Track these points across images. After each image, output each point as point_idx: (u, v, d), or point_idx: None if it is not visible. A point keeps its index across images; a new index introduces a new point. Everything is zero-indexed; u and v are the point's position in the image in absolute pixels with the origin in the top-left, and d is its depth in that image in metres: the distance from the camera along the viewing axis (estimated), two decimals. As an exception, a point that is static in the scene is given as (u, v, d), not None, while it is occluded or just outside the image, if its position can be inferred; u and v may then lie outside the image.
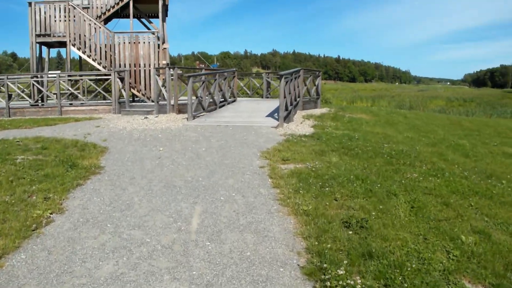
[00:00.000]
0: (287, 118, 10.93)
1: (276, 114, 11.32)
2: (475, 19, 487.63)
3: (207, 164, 6.52)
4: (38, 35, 14.86)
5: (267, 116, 11.68)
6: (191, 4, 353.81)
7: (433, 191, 5.17)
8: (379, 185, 5.23)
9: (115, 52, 14.67)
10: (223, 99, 14.45)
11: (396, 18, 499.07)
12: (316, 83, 15.75)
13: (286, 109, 10.80)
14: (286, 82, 10.55)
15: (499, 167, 7.44)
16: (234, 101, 16.03)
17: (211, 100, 13.14)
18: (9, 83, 13.73)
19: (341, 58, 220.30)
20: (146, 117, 11.93)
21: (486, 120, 17.07)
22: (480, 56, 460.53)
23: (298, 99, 13.23)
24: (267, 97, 18.67)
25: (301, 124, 10.98)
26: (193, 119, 11.22)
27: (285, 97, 10.42)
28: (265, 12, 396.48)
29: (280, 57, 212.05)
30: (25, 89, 15.12)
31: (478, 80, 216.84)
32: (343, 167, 6.08)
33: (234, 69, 18.75)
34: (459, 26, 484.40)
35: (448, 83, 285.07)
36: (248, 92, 20.41)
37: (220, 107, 13.85)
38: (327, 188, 5.05)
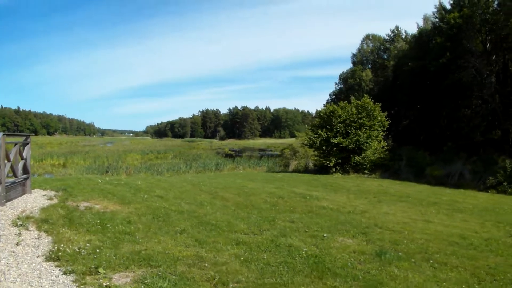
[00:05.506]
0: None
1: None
2: (152, 77, 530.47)
3: None
4: None
5: None
6: None
7: None
8: None
9: None
10: None
11: (77, 71, 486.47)
12: (25, 155, 9.76)
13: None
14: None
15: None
16: None
17: None
18: None
19: (21, 109, 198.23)
20: None
21: (227, 182, 15.06)
22: (159, 109, 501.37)
23: (-1, 188, 7.24)
24: None
25: (22, 252, 5.41)
26: None
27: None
28: None
29: None
30: None
31: (160, 131, 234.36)
32: None
33: None
34: (138, 82, 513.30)
35: (131, 134, 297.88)
36: None
37: None
38: None
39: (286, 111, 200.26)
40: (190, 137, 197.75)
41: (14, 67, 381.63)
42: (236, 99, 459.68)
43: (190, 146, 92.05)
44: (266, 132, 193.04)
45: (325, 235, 7.78)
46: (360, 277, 5.40)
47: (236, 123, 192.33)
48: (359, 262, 6.19)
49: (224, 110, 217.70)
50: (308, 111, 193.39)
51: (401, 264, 6.25)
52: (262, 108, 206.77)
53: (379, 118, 26.05)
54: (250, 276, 5.05)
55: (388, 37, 47.92)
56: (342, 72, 54.32)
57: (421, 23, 38.92)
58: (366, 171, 25.07)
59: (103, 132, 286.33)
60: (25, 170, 9.69)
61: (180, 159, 44.98)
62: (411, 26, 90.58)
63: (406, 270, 6.00)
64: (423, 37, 35.10)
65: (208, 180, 16.40)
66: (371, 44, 51.92)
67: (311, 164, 29.67)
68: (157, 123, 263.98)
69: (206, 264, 5.35)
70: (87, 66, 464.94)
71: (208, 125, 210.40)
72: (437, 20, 32.25)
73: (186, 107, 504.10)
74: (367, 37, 52.15)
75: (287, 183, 17.91)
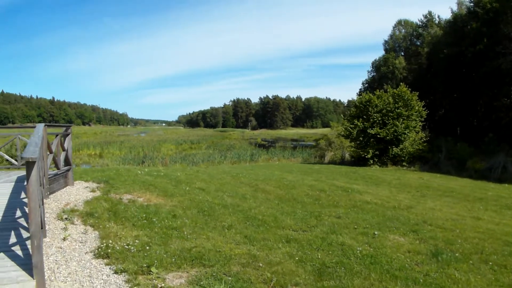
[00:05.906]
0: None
1: (14, 237, 5.10)
2: (181, 67, 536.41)
3: None
4: None
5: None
6: None
7: None
8: None
9: None
10: None
11: (110, 62, 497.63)
12: (66, 146, 9.82)
13: (41, 225, 4.86)
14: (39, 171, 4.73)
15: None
16: None
17: None
18: None
19: (56, 99, 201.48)
20: None
21: (265, 174, 14.93)
22: (190, 99, 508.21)
23: (43, 181, 7.22)
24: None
25: (69, 248, 5.33)
26: None
27: (40, 205, 4.51)
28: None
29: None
30: None
31: (192, 121, 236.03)
32: None
33: None
34: (168, 72, 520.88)
35: (164, 124, 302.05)
36: None
37: None
38: None
39: (317, 100, 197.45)
40: (222, 126, 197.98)
41: (47, 59, 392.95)
42: (266, 88, 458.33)
43: (222, 136, 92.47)
44: (297, 122, 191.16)
45: (375, 232, 7.45)
46: (421, 280, 5.08)
47: (267, 113, 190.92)
48: (416, 263, 5.85)
49: (254, 99, 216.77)
50: (339, 100, 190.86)
51: (460, 266, 5.88)
52: (293, 97, 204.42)
53: (417, 107, 25.10)
54: (308, 278, 4.80)
55: (420, 23, 46.25)
56: (374, 60, 52.97)
57: (455, 8, 37.36)
58: (404, 163, 24.27)
59: (136, 122, 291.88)
60: (67, 161, 9.74)
61: (214, 149, 45.06)
62: (444, 11, 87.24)
63: (466, 272, 5.63)
64: (457, 23, 33.60)
65: (246, 171, 16.25)
66: (403, 30, 50.25)
67: (347, 156, 29.05)
68: (189, 113, 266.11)
69: (260, 264, 5.14)
70: (115, 57, 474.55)
71: (239, 114, 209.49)
72: (471, 4, 30.84)
73: (216, 97, 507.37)
74: (399, 23, 50.54)
75: (325, 175, 17.55)
